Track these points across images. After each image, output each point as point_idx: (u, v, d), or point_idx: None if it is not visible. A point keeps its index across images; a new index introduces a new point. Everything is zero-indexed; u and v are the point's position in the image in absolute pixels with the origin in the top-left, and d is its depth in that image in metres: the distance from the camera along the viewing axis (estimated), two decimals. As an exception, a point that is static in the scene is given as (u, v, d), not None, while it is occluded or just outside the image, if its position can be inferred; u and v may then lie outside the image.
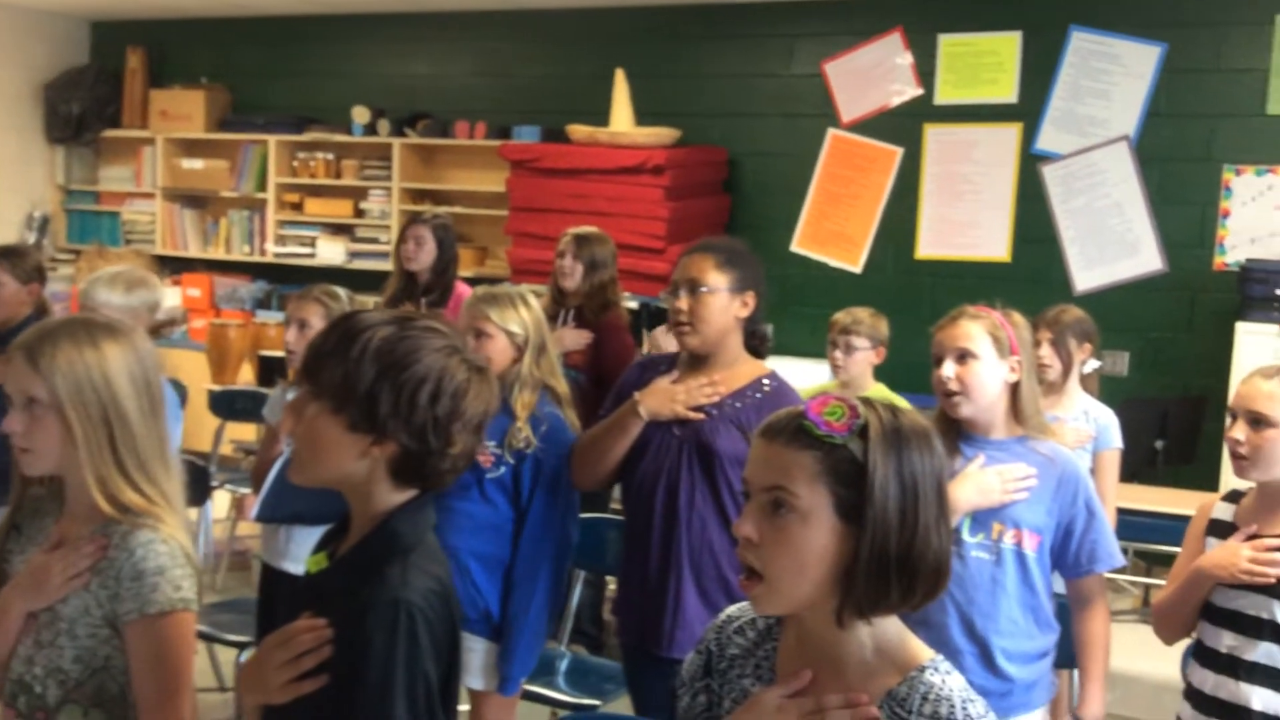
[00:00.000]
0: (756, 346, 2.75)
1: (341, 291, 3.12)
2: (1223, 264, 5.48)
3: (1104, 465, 3.58)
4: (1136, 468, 5.02)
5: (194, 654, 1.76)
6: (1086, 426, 3.57)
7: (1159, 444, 5.11)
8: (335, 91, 7.25)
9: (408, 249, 4.42)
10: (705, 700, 1.44)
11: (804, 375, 4.65)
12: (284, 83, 7.50)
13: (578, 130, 6.26)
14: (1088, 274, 5.73)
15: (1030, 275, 5.75)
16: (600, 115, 6.25)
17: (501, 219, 6.46)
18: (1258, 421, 2.21)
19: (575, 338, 4.19)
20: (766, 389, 2.65)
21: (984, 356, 2.33)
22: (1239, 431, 2.23)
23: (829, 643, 1.32)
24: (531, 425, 2.82)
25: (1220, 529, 2.32)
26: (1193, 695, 2.30)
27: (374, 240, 6.94)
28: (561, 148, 6.27)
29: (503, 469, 2.82)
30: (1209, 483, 4.65)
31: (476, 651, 2.84)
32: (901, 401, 4.18)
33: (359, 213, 7.08)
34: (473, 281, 4.80)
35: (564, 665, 3.46)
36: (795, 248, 6.33)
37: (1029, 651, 2.37)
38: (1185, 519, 2.48)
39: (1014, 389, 2.37)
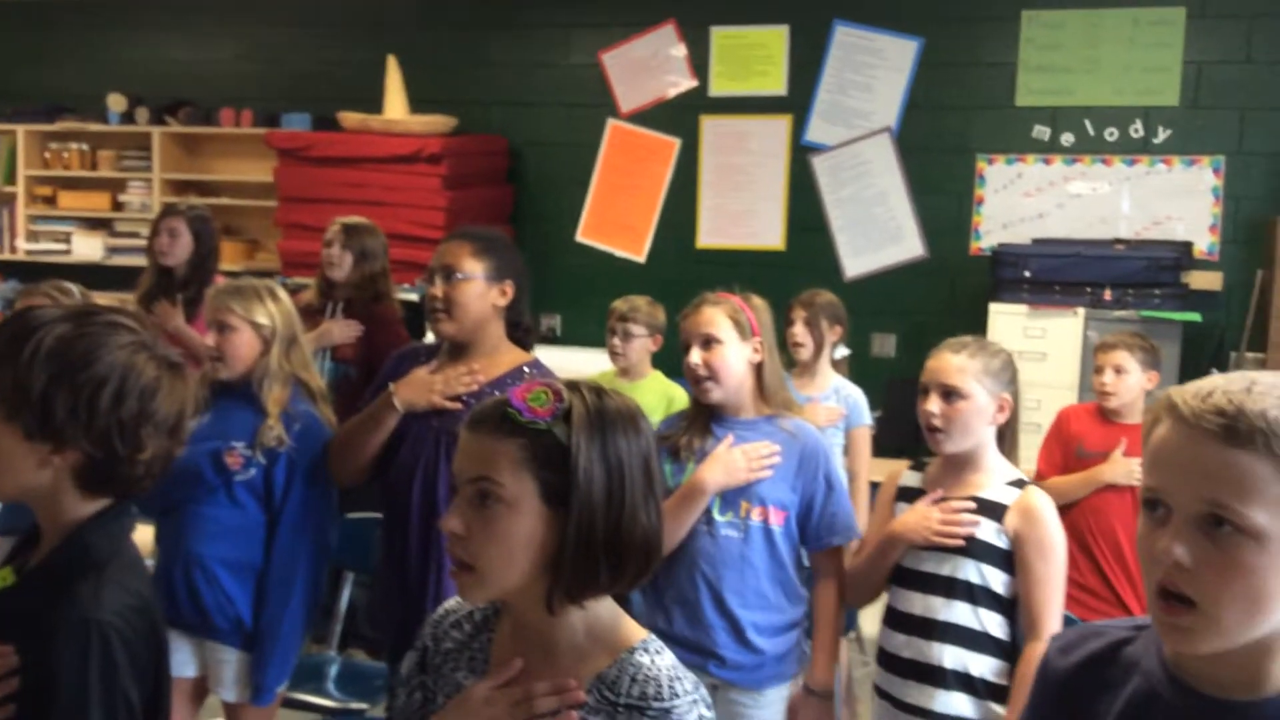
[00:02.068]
0: (521, 337, 2.73)
1: (74, 287, 2.92)
2: (978, 249, 5.77)
3: (856, 442, 3.73)
4: (904, 444, 5.24)
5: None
6: (838, 405, 3.71)
7: (924, 421, 5.34)
8: (89, 78, 6.83)
9: (161, 242, 4.18)
10: (421, 697, 1.40)
11: (590, 364, 4.66)
12: (33, 69, 7.01)
13: (349, 118, 6.07)
14: (856, 261, 5.95)
15: (804, 263, 5.90)
16: (373, 103, 6.07)
17: (272, 210, 6.21)
18: (950, 394, 2.26)
19: (344, 330, 4.06)
20: (527, 377, 2.63)
21: (727, 340, 2.40)
22: (933, 405, 2.27)
23: (542, 630, 1.31)
24: (284, 423, 2.71)
25: (909, 495, 2.38)
26: (885, 659, 2.35)
27: (134, 234, 6.53)
28: (333, 136, 6.07)
29: (253, 470, 2.70)
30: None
31: (228, 662, 2.72)
32: (678, 389, 4.18)
33: (118, 205, 6.70)
34: (243, 276, 4.58)
35: (334, 670, 3.35)
36: (580, 238, 6.33)
37: (778, 624, 2.43)
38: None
39: (758, 369, 2.44)
